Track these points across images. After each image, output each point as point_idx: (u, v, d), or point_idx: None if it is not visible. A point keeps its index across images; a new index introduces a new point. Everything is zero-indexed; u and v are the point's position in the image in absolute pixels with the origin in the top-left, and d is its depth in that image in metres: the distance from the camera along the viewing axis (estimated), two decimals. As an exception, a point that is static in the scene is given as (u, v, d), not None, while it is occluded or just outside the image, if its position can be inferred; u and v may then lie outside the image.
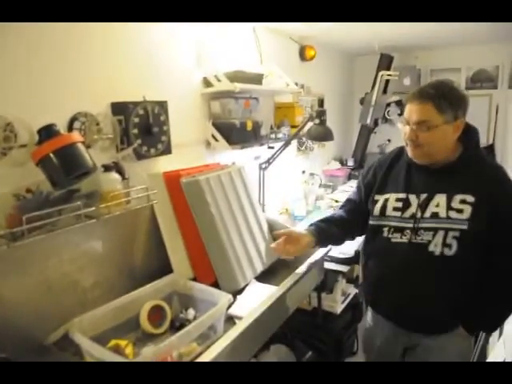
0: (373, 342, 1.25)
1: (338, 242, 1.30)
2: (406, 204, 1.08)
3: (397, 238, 1.09)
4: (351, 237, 1.30)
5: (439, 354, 1.11)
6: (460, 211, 1.01)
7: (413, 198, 1.08)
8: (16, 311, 0.96)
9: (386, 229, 1.11)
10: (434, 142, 1.01)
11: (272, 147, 1.79)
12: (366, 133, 3.09)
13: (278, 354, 1.53)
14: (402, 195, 1.10)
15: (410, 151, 1.07)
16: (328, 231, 1.21)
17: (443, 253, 1.02)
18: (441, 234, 1.03)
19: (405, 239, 1.07)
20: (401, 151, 1.16)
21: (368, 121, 2.91)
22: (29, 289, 0.99)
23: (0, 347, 0.85)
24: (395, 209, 1.10)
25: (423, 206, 1.06)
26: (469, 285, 1.05)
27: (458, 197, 1.02)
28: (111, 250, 1.19)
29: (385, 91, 2.93)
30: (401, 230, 1.08)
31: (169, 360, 0.87)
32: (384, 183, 1.15)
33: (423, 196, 1.06)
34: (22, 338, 0.95)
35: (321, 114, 1.72)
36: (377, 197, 1.15)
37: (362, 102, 2.99)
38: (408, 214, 1.07)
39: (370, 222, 1.15)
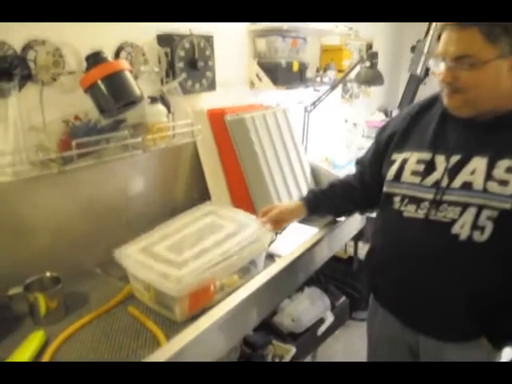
0: (370, 331, 1.06)
1: (340, 214, 1.14)
2: (430, 167, 0.82)
3: (410, 211, 0.83)
4: (359, 209, 1.10)
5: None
6: (504, 183, 0.74)
7: (440, 159, 0.81)
8: (66, 236, 1.00)
9: (397, 198, 0.86)
10: (479, 84, 0.74)
11: (318, 90, 1.71)
12: (414, 83, 2.91)
13: (311, 296, 1.56)
14: (426, 155, 0.83)
15: (445, 98, 0.80)
16: (325, 204, 1.06)
17: (472, 237, 0.76)
18: (472, 211, 0.76)
19: (421, 214, 0.81)
20: (435, 99, 0.88)
21: (418, 70, 2.73)
22: (78, 216, 1.03)
23: (54, 268, 0.90)
24: (414, 173, 0.84)
25: (453, 172, 0.79)
26: (500, 283, 0.79)
27: (505, 163, 0.75)
28: (155, 184, 1.21)
29: (439, 39, 2.71)
30: (417, 202, 0.82)
31: (212, 289, 0.89)
32: (405, 138, 0.89)
33: (455, 158, 0.79)
34: (72, 262, 0.99)
35: (372, 57, 1.62)
36: (394, 156, 0.89)
37: (412, 49, 2.79)
38: (430, 180, 0.81)
39: (383, 189, 0.90)
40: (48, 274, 0.87)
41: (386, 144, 0.92)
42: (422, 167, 0.83)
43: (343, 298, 1.71)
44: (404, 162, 0.86)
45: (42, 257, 0.94)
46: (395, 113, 2.87)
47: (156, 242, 0.94)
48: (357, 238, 1.56)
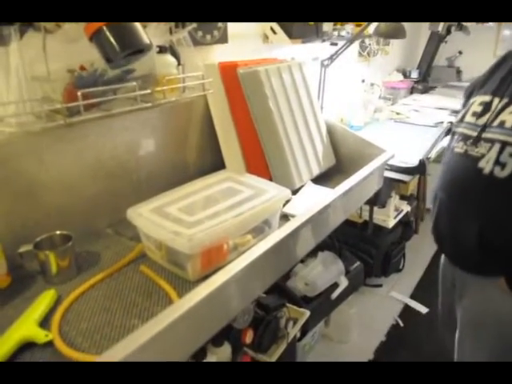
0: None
1: None
2: (487, 108, 0.88)
3: (458, 147, 0.91)
4: None
5: (480, 303, 0.93)
6: None
7: (496, 102, 0.88)
8: (75, 194, 0.97)
9: (456, 136, 0.94)
10: None
11: (335, 44, 1.62)
12: (435, 41, 2.77)
13: (325, 260, 1.53)
14: (487, 98, 0.90)
15: None
16: None
17: (493, 172, 0.81)
18: (496, 147, 0.82)
19: (463, 149, 0.89)
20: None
21: (440, 27, 2.60)
22: (86, 173, 0.99)
23: (64, 228, 0.87)
24: (473, 113, 0.91)
25: (497, 113, 0.85)
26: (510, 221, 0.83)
27: None
28: (165, 141, 1.16)
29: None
30: (465, 139, 0.90)
31: (225, 248, 0.85)
32: (480, 88, 0.95)
33: (504, 101, 0.86)
34: (82, 222, 0.96)
35: (394, 8, 1.51)
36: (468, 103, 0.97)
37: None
38: (481, 120, 0.88)
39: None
40: (58, 232, 0.84)
41: (467, 97, 1.00)
42: (480, 108, 0.90)
43: (357, 263, 1.68)
44: (471, 104, 0.93)
45: (52, 216, 0.91)
46: (414, 74, 2.75)
47: (168, 204, 0.90)
48: (372, 202, 1.51)
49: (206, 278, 0.80)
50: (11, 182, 0.85)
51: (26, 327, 0.67)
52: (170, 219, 0.83)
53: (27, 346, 0.66)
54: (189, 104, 1.17)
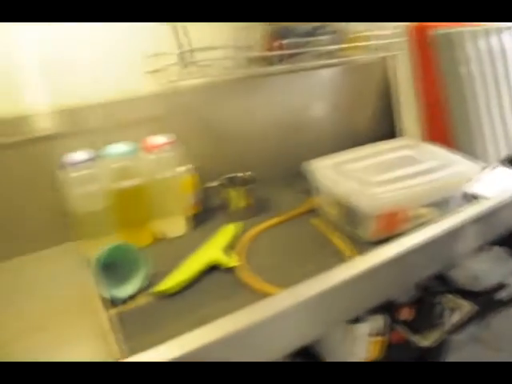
0: None
1: None
2: None
3: None
4: None
5: None
6: None
7: None
8: (255, 143, 1.02)
9: None
10: None
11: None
12: None
13: (497, 256, 1.35)
14: None
15: None
16: None
17: None
18: None
19: None
20: None
21: None
22: (267, 124, 1.03)
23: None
24: None
25: None
26: None
27: None
28: (339, 102, 1.14)
29: None
30: None
31: (403, 215, 0.81)
32: None
33: None
34: (259, 169, 1.00)
35: None
36: None
37: None
38: None
39: None
40: (242, 173, 0.90)
41: None
42: None
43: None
44: None
45: (235, 160, 0.98)
46: None
47: (347, 162, 0.89)
48: None
49: (379, 242, 0.78)
50: (209, 125, 0.94)
51: (214, 252, 0.74)
52: (351, 177, 0.82)
53: (212, 268, 0.73)
54: (369, 65, 1.13)
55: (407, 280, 0.85)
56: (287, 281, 0.69)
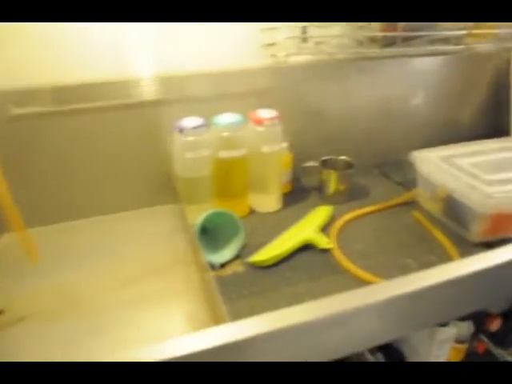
0: None
1: None
2: None
3: None
4: None
5: None
6: None
7: None
8: (352, 126, 0.99)
9: None
10: None
11: None
12: None
13: None
14: None
15: None
16: None
17: None
18: None
19: None
20: None
21: None
22: (366, 108, 0.99)
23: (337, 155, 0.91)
24: None
25: None
26: None
27: None
28: (446, 92, 1.07)
29: None
30: None
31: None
32: None
33: None
34: (353, 154, 0.98)
35: None
36: None
37: None
38: None
39: None
40: (342, 157, 0.88)
41: None
42: None
43: None
44: None
45: (330, 142, 0.96)
46: None
47: (455, 156, 0.83)
48: None
49: (483, 244, 0.73)
50: (310, 104, 0.92)
51: (310, 231, 0.73)
52: (462, 172, 0.77)
53: (305, 247, 0.73)
54: (486, 56, 1.04)
55: (507, 291, 0.79)
56: (381, 271, 0.67)
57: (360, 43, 0.84)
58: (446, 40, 0.91)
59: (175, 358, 0.38)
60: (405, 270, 0.68)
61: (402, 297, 0.57)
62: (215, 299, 0.58)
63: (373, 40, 0.82)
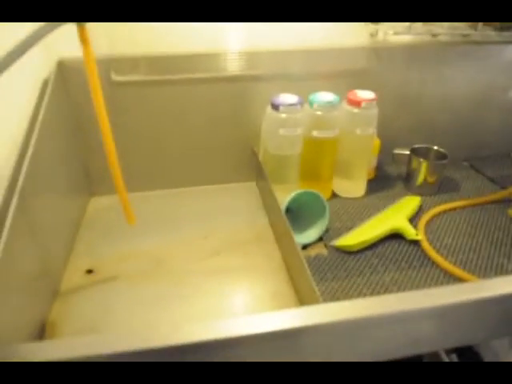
0: None
1: None
2: None
3: None
4: None
5: None
6: None
7: None
8: (448, 114, 0.94)
9: None
10: None
11: None
12: None
13: None
14: None
15: None
16: None
17: None
18: None
19: None
20: None
21: None
22: (462, 98, 0.94)
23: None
24: None
25: None
26: None
27: None
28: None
29: None
30: None
31: None
32: None
33: None
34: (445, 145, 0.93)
35: None
36: None
37: None
38: None
39: None
40: (435, 147, 0.84)
41: None
42: None
43: None
44: None
45: (418, 131, 0.92)
46: None
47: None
48: None
49: None
50: (402, 89, 0.88)
51: (400, 220, 0.71)
52: None
53: (392, 236, 0.71)
54: None
55: None
56: (473, 269, 0.64)
57: (473, 25, 0.78)
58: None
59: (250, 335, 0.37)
60: (499, 270, 0.64)
61: (497, 298, 0.54)
62: (303, 279, 0.58)
63: (487, 23, 0.76)
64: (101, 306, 0.58)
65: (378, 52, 0.83)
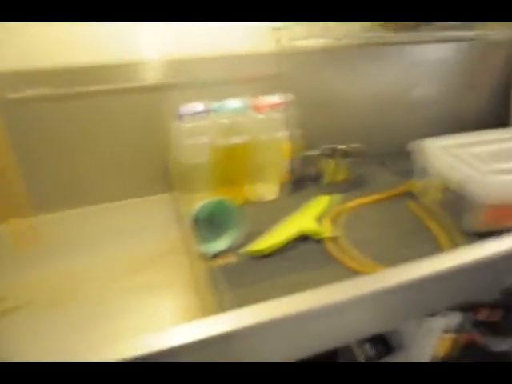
0: None
1: None
2: None
3: None
4: None
5: None
6: None
7: None
8: (355, 116, 0.98)
9: None
10: None
11: None
12: None
13: None
14: None
15: None
16: None
17: None
18: None
19: None
20: None
21: None
22: (369, 98, 0.99)
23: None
24: None
25: None
26: None
27: None
28: (451, 83, 1.06)
29: None
30: None
31: None
32: None
33: None
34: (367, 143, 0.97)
35: None
36: None
37: None
38: None
39: None
40: (341, 146, 0.88)
41: None
42: None
43: None
44: None
45: (332, 132, 0.95)
46: None
47: (459, 146, 0.82)
48: None
49: (479, 235, 0.73)
50: (315, 91, 0.91)
51: (308, 221, 0.73)
52: (464, 162, 0.76)
53: (302, 237, 0.73)
54: (499, 44, 1.02)
55: (501, 281, 0.80)
56: (378, 261, 0.68)
57: (369, 28, 0.82)
58: (457, 26, 0.89)
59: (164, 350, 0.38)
60: (401, 260, 0.68)
61: (394, 287, 0.58)
62: (208, 289, 0.58)
63: (383, 25, 0.80)
64: (12, 335, 0.55)
65: (288, 57, 0.85)
